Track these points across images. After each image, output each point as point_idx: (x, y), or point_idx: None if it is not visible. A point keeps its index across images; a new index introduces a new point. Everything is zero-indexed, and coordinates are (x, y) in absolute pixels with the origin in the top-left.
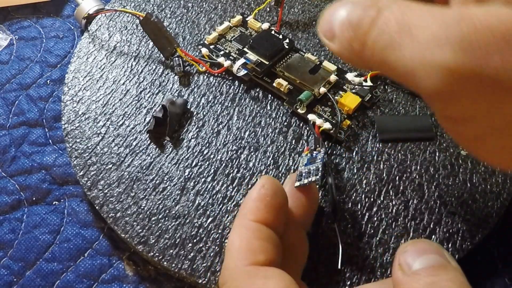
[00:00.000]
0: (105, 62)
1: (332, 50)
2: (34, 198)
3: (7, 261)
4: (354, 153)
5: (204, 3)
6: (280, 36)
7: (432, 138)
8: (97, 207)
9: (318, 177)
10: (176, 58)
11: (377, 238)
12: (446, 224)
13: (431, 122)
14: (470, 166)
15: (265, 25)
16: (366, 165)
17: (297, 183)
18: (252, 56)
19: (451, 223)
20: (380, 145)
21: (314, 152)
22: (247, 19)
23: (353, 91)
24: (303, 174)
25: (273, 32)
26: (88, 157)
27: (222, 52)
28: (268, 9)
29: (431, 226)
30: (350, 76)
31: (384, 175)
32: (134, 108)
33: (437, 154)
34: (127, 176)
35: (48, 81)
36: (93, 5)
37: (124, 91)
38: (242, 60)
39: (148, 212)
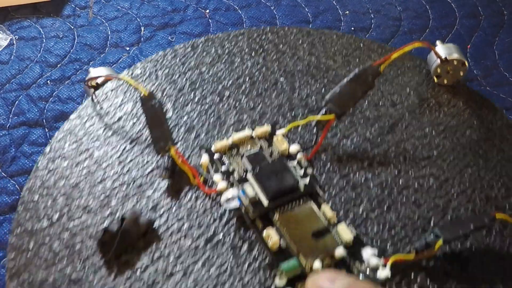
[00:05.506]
0: (100, 133)
1: None
2: None
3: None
4: None
5: (243, 98)
6: (301, 172)
7: None
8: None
9: None
10: (167, 158)
11: None
12: None
13: None
14: None
15: (294, 148)
16: None
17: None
18: (250, 189)
19: None
20: None
21: None
22: (276, 132)
23: (361, 275)
24: None
25: (296, 162)
26: (27, 240)
27: (224, 168)
28: (312, 128)
29: None
30: (366, 253)
31: None
32: (100, 204)
33: None
34: (50, 283)
35: (48, 81)
36: (104, 73)
37: (100, 178)
38: (234, 191)
39: None
